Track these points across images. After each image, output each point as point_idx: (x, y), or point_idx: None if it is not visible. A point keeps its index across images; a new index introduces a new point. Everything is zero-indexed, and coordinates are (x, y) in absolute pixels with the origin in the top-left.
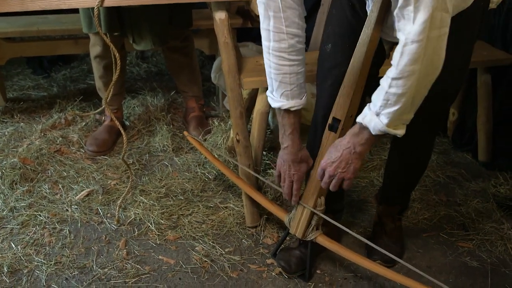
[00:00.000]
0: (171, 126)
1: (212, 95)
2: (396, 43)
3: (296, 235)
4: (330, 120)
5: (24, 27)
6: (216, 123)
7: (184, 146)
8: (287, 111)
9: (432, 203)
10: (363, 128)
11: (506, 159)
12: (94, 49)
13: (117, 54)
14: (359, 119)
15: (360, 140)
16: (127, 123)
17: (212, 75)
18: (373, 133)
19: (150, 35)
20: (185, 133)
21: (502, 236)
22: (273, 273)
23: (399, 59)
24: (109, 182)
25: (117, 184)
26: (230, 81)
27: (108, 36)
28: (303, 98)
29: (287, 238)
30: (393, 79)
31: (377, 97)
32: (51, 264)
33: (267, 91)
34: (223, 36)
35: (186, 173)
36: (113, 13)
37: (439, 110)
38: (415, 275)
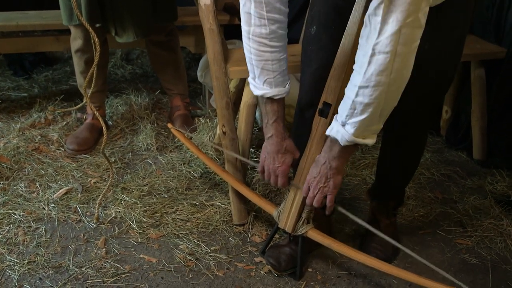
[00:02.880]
0: (156, 125)
1: (198, 95)
2: None
3: (286, 229)
4: (320, 105)
5: (3, 22)
6: (202, 121)
7: (169, 145)
8: (271, 99)
9: (427, 201)
10: (333, 141)
11: (502, 156)
12: (75, 42)
13: (97, 40)
14: (327, 132)
15: (334, 154)
16: (110, 122)
17: (198, 74)
18: (342, 144)
19: (132, 26)
20: (169, 125)
21: (502, 232)
22: (262, 272)
23: (367, 67)
24: (89, 180)
25: (98, 182)
26: (215, 69)
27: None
28: (287, 85)
29: (277, 234)
30: (360, 87)
31: (343, 107)
32: (24, 264)
33: (249, 77)
34: (208, 22)
35: (171, 172)
36: (95, 3)
37: (432, 102)
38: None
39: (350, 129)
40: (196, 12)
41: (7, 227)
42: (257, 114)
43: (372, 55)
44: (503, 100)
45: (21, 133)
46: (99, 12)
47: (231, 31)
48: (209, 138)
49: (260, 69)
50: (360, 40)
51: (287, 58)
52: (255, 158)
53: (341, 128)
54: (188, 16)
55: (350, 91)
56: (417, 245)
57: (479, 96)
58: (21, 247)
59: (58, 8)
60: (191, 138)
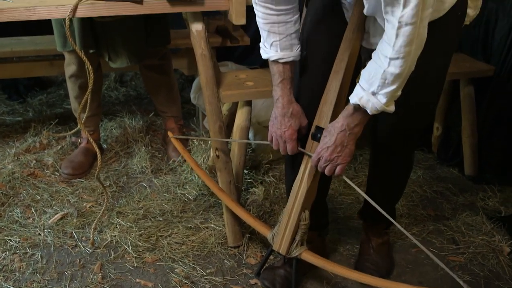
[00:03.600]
0: (150, 147)
1: (192, 117)
2: (372, 50)
3: (280, 251)
4: (313, 129)
5: None
6: (196, 143)
7: (163, 168)
8: (276, 62)
9: (420, 218)
10: (358, 109)
11: (493, 172)
12: (69, 68)
13: (91, 68)
14: (353, 100)
15: (355, 121)
16: (104, 145)
17: (192, 96)
18: (370, 113)
19: (126, 52)
20: (170, 133)
21: (494, 248)
22: None
23: (395, 40)
24: (84, 204)
25: (93, 206)
26: (208, 94)
27: (82, 53)
28: (295, 50)
29: (272, 256)
30: (391, 59)
31: (374, 77)
32: None
33: (260, 42)
34: (200, 48)
35: (166, 194)
36: (88, 30)
37: (417, 126)
38: None
39: (382, 98)
40: (189, 35)
41: (3, 254)
42: (250, 135)
43: (399, 27)
44: (493, 117)
45: (16, 158)
46: (92, 39)
47: (224, 53)
48: (203, 160)
49: (267, 32)
50: (385, 15)
51: (298, 20)
52: (249, 179)
53: (372, 97)
54: (181, 39)
55: (381, 62)
56: (411, 263)
57: (469, 113)
58: (17, 274)
59: (52, 33)
60: (184, 161)
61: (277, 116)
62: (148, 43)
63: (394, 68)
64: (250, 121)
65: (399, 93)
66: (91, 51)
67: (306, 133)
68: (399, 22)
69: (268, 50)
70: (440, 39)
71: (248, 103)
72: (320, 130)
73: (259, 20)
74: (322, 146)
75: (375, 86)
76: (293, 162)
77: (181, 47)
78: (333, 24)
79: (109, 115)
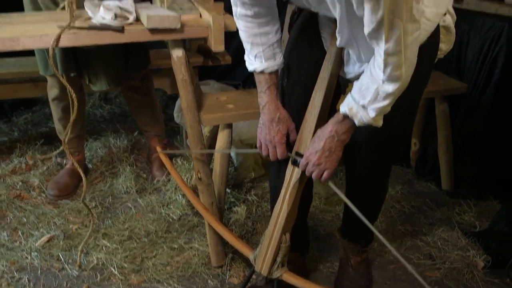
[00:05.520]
0: (135, 167)
1: (176, 134)
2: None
3: (262, 272)
4: (293, 155)
5: None
6: (180, 162)
7: (148, 187)
8: (262, 72)
9: (398, 234)
10: (347, 117)
11: (468, 186)
12: (52, 91)
13: (74, 95)
14: (343, 109)
15: (343, 128)
16: (89, 165)
17: (175, 114)
18: (357, 124)
19: (105, 75)
20: (158, 148)
21: (469, 263)
22: None
23: (384, 68)
24: (70, 226)
25: (79, 228)
26: (189, 118)
27: (64, 77)
28: (278, 59)
29: (254, 275)
30: (383, 80)
31: (366, 89)
32: None
33: (245, 55)
34: (181, 73)
35: (150, 214)
36: (69, 54)
37: (388, 155)
38: None
39: (371, 113)
40: (170, 55)
41: None
42: (232, 153)
43: (386, 58)
44: (467, 133)
45: (2, 180)
46: (73, 62)
47: (206, 70)
48: (187, 179)
49: (250, 44)
50: (372, 45)
51: (279, 29)
52: (232, 198)
53: (362, 110)
54: (163, 58)
55: (373, 80)
56: (388, 280)
57: (444, 129)
58: None
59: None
60: (169, 180)
61: (265, 122)
62: (127, 66)
63: (388, 87)
64: (231, 143)
65: (389, 108)
66: (72, 74)
67: (294, 139)
68: (385, 53)
69: (253, 61)
70: (413, 75)
71: (229, 126)
72: (299, 155)
73: (242, 34)
74: (311, 151)
75: (366, 100)
76: (279, 170)
77: (163, 67)
78: (312, 53)
79: (94, 134)
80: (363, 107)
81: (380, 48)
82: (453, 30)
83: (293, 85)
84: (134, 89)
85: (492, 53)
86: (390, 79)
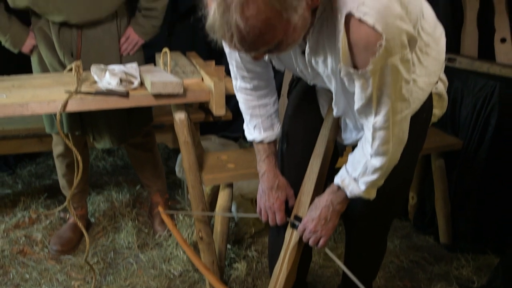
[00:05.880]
0: (137, 221)
1: (177, 187)
2: (346, 146)
3: None
4: (292, 218)
5: None
6: (181, 218)
7: (150, 242)
8: (261, 141)
9: None
10: (341, 188)
11: (466, 241)
12: (57, 148)
13: (80, 157)
14: (336, 180)
15: (338, 198)
16: (92, 219)
17: (177, 169)
18: (349, 196)
19: (108, 134)
20: (160, 209)
21: None
22: None
23: (372, 142)
24: (72, 283)
25: (81, 285)
26: (191, 179)
27: (70, 136)
28: (276, 129)
29: None
30: (371, 155)
31: (357, 163)
32: None
33: (244, 124)
34: (183, 135)
35: (152, 270)
36: (74, 113)
37: (384, 216)
38: None
39: (362, 186)
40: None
41: None
42: (233, 208)
43: (374, 132)
44: (464, 188)
45: (5, 234)
46: (78, 121)
47: (207, 124)
48: (188, 235)
49: (249, 115)
50: (360, 120)
51: (276, 100)
52: (232, 254)
53: (353, 182)
54: (165, 115)
55: (363, 154)
56: None
57: (440, 184)
58: None
59: None
60: (170, 235)
61: (265, 190)
62: (131, 124)
63: (376, 161)
64: (232, 201)
65: (381, 182)
66: (77, 133)
67: (292, 204)
68: (373, 127)
69: (252, 132)
70: (408, 139)
71: (230, 185)
72: (298, 219)
73: (241, 105)
74: (308, 218)
75: (357, 173)
76: (278, 233)
77: (165, 123)
78: (310, 119)
79: (97, 187)
80: (355, 179)
81: (369, 123)
82: (446, 96)
83: (292, 151)
84: (137, 146)
85: (485, 112)
86: (377, 153)
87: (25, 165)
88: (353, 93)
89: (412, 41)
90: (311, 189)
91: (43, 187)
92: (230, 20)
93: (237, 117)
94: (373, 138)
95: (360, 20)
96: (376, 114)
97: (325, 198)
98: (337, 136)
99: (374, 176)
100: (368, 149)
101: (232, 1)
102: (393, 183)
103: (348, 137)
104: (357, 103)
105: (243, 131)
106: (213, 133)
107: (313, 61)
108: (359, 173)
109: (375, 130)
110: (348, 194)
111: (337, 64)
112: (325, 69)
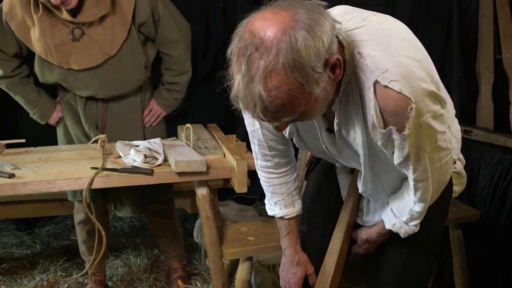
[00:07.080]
0: (154, 287)
1: (194, 250)
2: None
3: None
4: None
5: None
6: (199, 285)
7: None
8: (282, 217)
9: None
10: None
11: None
12: (78, 215)
13: (101, 228)
14: (387, 225)
15: (387, 234)
16: (110, 283)
17: (195, 234)
18: (403, 236)
19: (130, 203)
20: (180, 282)
21: None
22: None
23: (415, 192)
24: None
25: None
26: (212, 254)
27: (92, 205)
28: (297, 205)
29: None
30: (415, 202)
31: (403, 208)
32: None
33: (265, 199)
34: (205, 210)
35: None
36: None
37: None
38: None
39: (413, 227)
40: None
41: None
42: (252, 277)
43: (415, 184)
44: (482, 259)
45: None
46: (101, 191)
47: (225, 192)
48: None
49: (271, 193)
50: (402, 170)
51: (297, 178)
52: None
53: (405, 225)
54: (184, 182)
55: (408, 202)
56: None
57: (459, 255)
58: None
59: None
60: None
61: (286, 264)
62: (151, 193)
63: (418, 207)
64: (251, 274)
65: (423, 215)
66: (99, 202)
67: (313, 282)
68: (414, 181)
69: (273, 208)
70: (430, 219)
71: (249, 258)
72: None
73: (263, 184)
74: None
75: (404, 218)
76: None
77: (184, 189)
78: (330, 202)
79: (115, 250)
80: (405, 223)
81: (409, 175)
82: (464, 173)
83: (312, 232)
84: (157, 213)
85: (503, 184)
86: (420, 200)
87: (44, 224)
88: (379, 161)
89: (441, 100)
90: (331, 270)
91: (61, 248)
92: (254, 91)
93: (253, 180)
94: (416, 189)
95: (386, 87)
96: (415, 170)
97: (375, 236)
98: (358, 219)
99: (420, 219)
100: (412, 196)
101: (256, 73)
102: (420, 257)
103: (370, 219)
104: (396, 160)
105: (259, 193)
106: (230, 194)
107: (343, 130)
108: (406, 218)
109: (416, 182)
110: (402, 235)
111: (365, 134)
112: (355, 137)
